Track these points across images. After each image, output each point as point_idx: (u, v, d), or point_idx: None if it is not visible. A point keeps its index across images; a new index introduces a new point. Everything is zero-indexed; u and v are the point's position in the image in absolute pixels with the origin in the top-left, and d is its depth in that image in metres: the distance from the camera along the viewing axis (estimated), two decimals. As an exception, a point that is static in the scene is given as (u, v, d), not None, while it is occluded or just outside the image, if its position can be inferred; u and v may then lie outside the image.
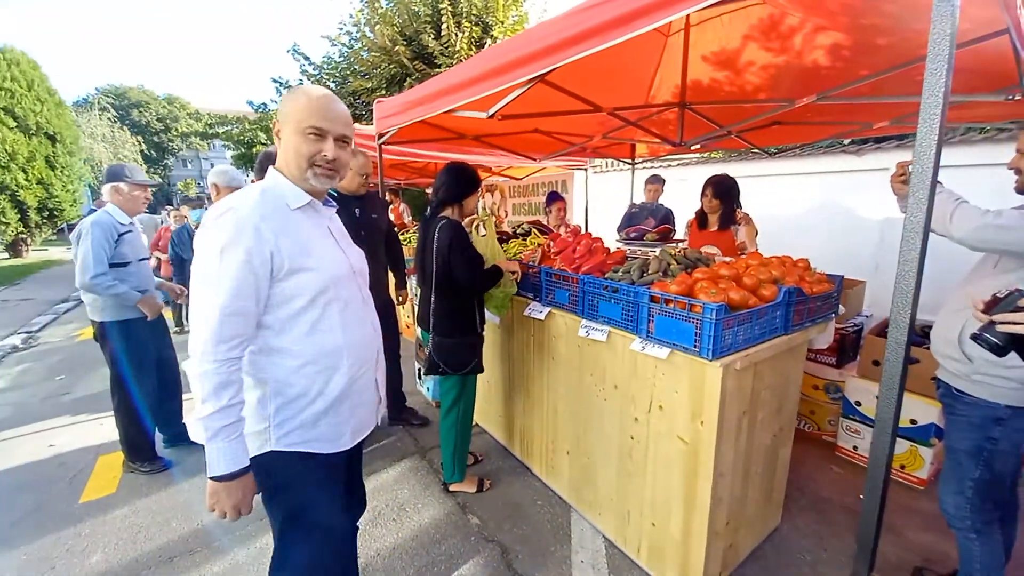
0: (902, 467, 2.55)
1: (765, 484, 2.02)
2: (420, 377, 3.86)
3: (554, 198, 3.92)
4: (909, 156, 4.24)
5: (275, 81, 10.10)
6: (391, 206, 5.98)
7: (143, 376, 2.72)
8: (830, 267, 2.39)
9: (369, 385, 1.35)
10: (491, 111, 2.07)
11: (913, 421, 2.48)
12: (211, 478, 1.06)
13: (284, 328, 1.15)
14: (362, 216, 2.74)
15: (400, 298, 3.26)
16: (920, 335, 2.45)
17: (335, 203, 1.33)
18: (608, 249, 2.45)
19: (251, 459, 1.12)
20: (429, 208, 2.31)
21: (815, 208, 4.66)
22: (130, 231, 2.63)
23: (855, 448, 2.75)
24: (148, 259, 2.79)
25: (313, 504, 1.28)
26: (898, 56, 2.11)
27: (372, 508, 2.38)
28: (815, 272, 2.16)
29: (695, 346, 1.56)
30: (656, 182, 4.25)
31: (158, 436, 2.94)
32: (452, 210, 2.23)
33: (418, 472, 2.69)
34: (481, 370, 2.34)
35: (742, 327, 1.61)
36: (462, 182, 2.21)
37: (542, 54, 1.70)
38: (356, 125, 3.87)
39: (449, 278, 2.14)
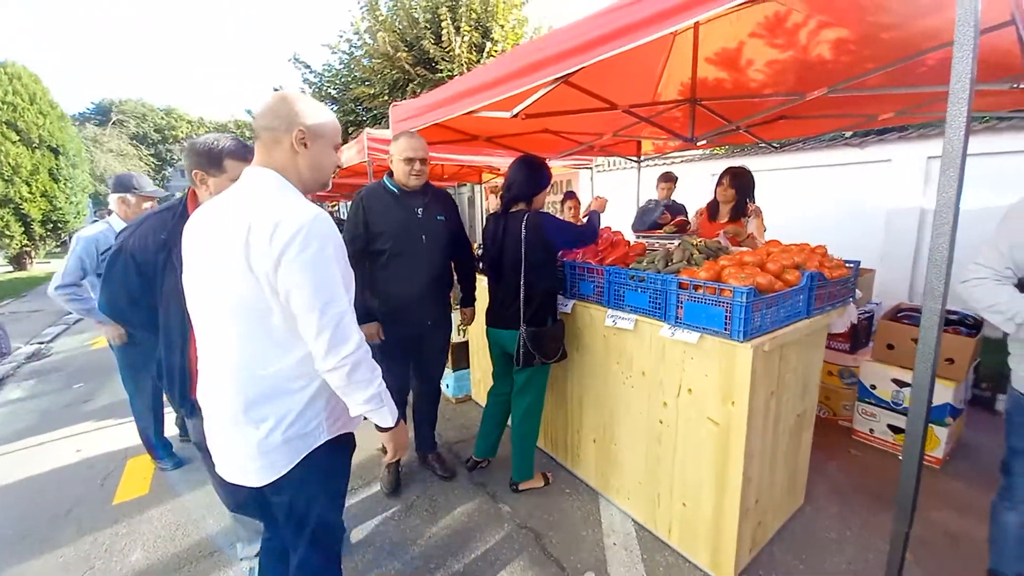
0: (919, 448, 2.62)
1: (789, 465, 2.08)
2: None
3: (569, 196, 4.10)
4: (911, 147, 4.32)
5: (276, 91, 10.17)
6: None
7: (145, 379, 2.70)
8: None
9: None
10: (515, 110, 2.14)
11: (928, 403, 2.54)
12: (387, 429, 1.24)
13: None
14: (424, 217, 2.26)
15: (465, 316, 2.70)
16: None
17: None
18: (628, 242, 2.52)
19: (305, 459, 1.18)
20: (501, 204, 2.29)
21: (820, 200, 4.75)
22: None
23: (871, 431, 2.82)
24: None
25: (343, 488, 1.40)
26: (903, 49, 2.18)
27: (405, 500, 2.45)
28: (833, 258, 2.23)
29: (726, 329, 1.63)
30: (669, 180, 4.33)
31: (174, 433, 3.06)
32: (526, 205, 2.22)
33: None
34: (565, 356, 2.35)
35: (769, 310, 1.67)
36: (536, 177, 2.22)
37: (569, 54, 1.77)
38: (367, 129, 3.96)
39: (545, 266, 2.18)
